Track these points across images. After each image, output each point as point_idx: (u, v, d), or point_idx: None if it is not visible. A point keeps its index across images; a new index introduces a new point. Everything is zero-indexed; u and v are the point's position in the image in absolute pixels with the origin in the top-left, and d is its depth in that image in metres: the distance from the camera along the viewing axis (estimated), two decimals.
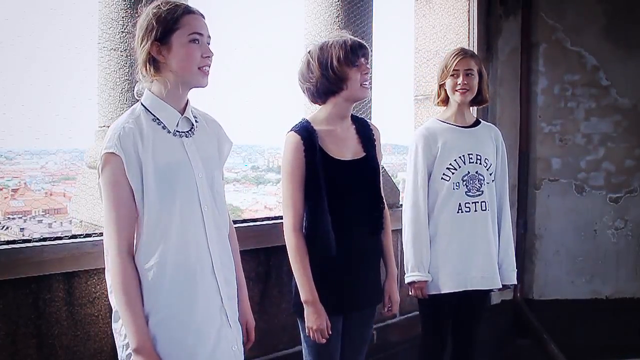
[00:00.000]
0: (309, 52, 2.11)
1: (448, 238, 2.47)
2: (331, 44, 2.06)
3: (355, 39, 2.11)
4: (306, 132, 2.06)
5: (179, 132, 1.65)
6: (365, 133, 2.20)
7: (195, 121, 1.71)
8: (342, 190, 2.08)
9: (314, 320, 2.03)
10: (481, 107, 2.70)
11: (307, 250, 2.05)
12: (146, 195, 1.57)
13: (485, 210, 2.47)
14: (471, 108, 2.67)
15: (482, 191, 2.47)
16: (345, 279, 2.10)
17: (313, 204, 2.04)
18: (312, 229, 2.05)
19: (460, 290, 2.46)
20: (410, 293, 2.54)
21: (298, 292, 2.07)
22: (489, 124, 2.69)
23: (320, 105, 2.16)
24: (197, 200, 1.63)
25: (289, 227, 2.06)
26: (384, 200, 2.22)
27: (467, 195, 2.46)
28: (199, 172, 1.64)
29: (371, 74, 2.19)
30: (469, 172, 2.47)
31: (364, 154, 2.16)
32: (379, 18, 3.18)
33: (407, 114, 4.08)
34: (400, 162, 4.18)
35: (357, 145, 2.16)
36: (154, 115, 1.63)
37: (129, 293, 1.55)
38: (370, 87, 2.17)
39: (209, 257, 1.64)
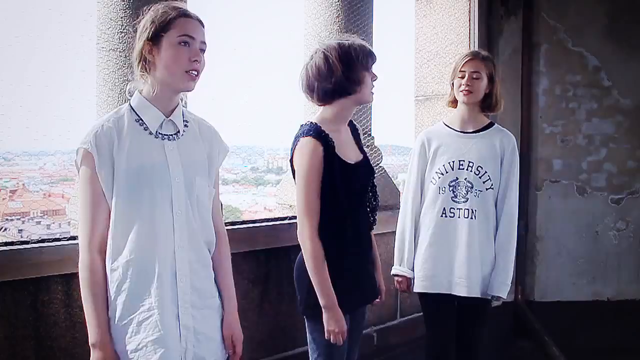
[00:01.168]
0: (325, 50, 2.06)
1: (429, 240, 2.52)
2: (350, 44, 2.05)
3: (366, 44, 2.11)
4: (321, 136, 2.03)
5: (161, 134, 1.64)
6: (357, 134, 2.23)
7: (185, 125, 1.69)
8: (354, 193, 2.10)
9: (335, 323, 2.03)
10: (492, 113, 2.63)
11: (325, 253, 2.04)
12: (115, 195, 1.57)
13: (469, 217, 2.47)
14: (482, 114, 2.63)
15: (468, 198, 2.47)
16: (356, 279, 2.14)
17: (332, 208, 2.03)
18: (331, 233, 2.04)
19: (432, 292, 2.51)
20: (395, 285, 2.64)
21: (310, 294, 2.07)
22: (503, 129, 2.62)
23: (321, 106, 2.13)
24: (169, 204, 1.60)
25: (307, 234, 2.03)
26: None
27: (453, 200, 2.49)
28: (177, 175, 1.62)
29: None
30: (457, 179, 2.49)
31: (362, 156, 2.19)
32: (379, 18, 3.17)
33: (407, 114, 4.08)
34: (401, 163, 4.18)
35: (355, 148, 2.19)
36: (138, 116, 1.63)
37: (93, 289, 1.58)
38: None
39: (174, 263, 1.61)
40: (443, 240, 2.50)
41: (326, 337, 2.05)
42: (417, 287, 2.55)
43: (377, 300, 2.32)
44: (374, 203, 2.22)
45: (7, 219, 3.06)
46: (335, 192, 2.02)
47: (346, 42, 2.07)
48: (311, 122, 2.09)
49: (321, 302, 2.03)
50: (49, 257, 2.09)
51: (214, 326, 1.72)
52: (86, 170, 1.57)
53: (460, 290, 2.48)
